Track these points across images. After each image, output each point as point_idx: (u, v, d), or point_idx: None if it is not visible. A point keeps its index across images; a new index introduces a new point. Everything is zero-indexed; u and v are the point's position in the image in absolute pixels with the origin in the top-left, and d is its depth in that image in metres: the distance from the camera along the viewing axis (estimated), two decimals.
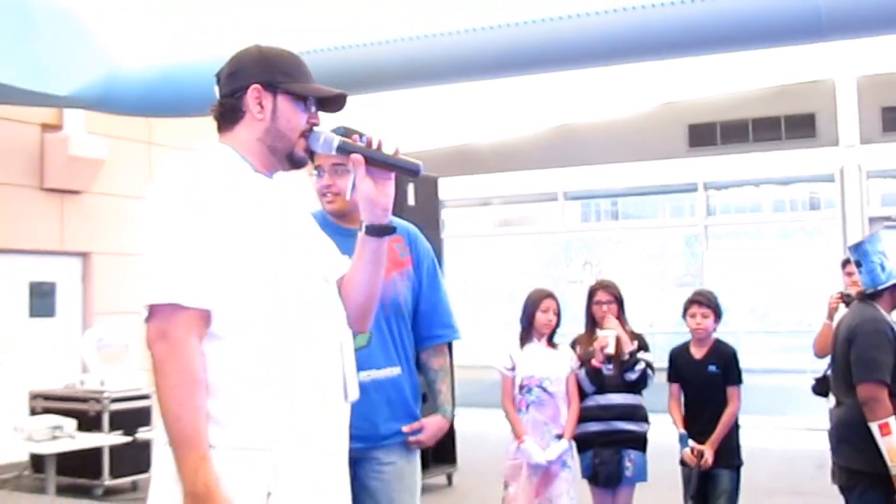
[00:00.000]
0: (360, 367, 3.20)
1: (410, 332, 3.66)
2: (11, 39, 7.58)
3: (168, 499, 2.17)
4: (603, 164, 14.39)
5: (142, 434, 8.45)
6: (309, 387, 2.32)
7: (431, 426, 3.70)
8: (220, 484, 2.12)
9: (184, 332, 2.15)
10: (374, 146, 2.46)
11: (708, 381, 5.34)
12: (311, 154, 2.64)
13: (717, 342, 5.47)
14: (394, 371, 3.55)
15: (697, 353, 5.43)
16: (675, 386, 5.52)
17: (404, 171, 2.48)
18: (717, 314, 5.43)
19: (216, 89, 2.50)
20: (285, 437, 2.26)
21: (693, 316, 5.42)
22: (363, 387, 3.30)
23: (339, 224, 3.46)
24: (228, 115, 2.45)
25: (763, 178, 14.21)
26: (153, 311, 2.16)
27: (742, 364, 5.48)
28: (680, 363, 5.51)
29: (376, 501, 3.46)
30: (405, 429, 3.61)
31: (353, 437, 3.25)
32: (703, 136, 13.29)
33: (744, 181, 14.58)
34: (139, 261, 2.25)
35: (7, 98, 8.21)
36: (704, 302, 5.43)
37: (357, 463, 3.37)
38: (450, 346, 3.97)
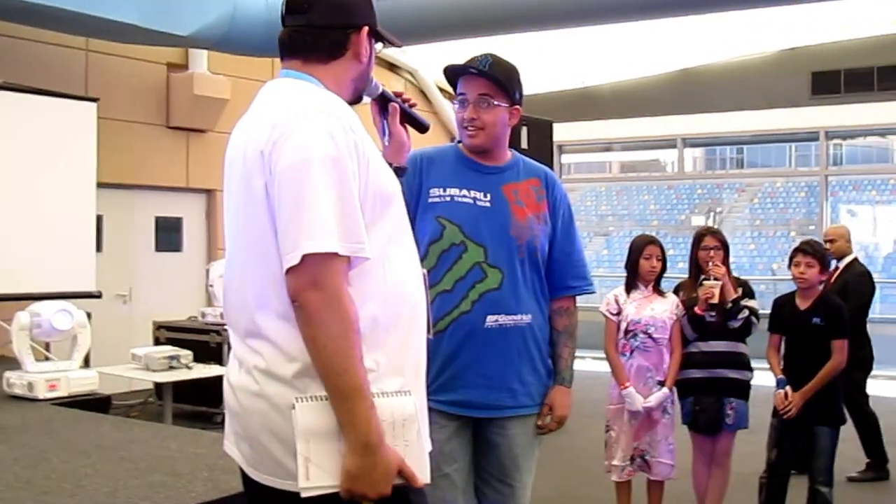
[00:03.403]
0: (488, 311, 3.23)
1: (544, 280, 3.39)
2: None
3: (324, 453, 2.01)
4: (722, 112, 14.15)
5: None
6: (421, 325, 2.27)
7: (559, 406, 3.41)
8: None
9: (339, 280, 2.00)
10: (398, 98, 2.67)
11: (810, 332, 5.21)
12: None
13: (825, 294, 5.37)
14: (523, 318, 3.29)
15: (802, 303, 5.30)
16: (777, 336, 5.42)
17: (418, 126, 2.77)
18: (824, 265, 5.30)
19: (299, 14, 2.39)
20: (417, 379, 2.23)
21: (797, 265, 5.26)
22: (487, 332, 3.24)
23: (476, 160, 3.37)
24: (326, 47, 2.30)
25: (888, 127, 13.82)
26: (305, 259, 1.97)
27: None
28: (783, 313, 5.41)
29: (499, 457, 3.34)
30: (539, 423, 3.38)
31: (477, 394, 3.26)
32: (827, 83, 12.95)
33: (868, 130, 14.21)
34: (283, 204, 2.04)
35: (133, 38, 8.45)
36: (809, 251, 5.28)
37: (480, 419, 3.32)
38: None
